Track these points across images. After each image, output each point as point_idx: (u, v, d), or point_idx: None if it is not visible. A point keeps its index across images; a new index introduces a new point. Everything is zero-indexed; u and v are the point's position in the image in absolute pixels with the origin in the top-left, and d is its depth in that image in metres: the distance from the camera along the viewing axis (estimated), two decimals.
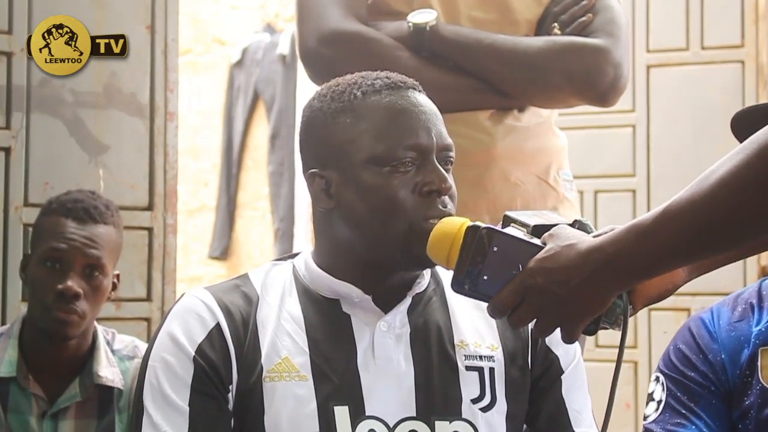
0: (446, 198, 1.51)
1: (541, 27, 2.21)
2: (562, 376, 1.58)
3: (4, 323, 2.54)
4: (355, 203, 1.51)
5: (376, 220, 1.49)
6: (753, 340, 1.84)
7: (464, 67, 2.14)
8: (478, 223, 1.36)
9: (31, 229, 2.45)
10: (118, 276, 2.35)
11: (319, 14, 2.14)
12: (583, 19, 2.18)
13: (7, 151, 2.68)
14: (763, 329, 1.85)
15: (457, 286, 1.35)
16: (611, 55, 2.16)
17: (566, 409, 1.58)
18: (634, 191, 4.38)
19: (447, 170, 1.53)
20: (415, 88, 1.56)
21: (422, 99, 1.56)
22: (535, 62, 2.14)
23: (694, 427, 1.83)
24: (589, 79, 2.15)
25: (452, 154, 1.55)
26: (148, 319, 2.85)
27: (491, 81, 2.14)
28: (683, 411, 1.85)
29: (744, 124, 1.75)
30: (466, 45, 2.13)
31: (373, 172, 1.50)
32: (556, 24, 2.19)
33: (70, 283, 2.22)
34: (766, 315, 1.87)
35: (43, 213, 2.35)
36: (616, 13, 2.21)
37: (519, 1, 2.19)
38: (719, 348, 1.85)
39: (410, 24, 2.13)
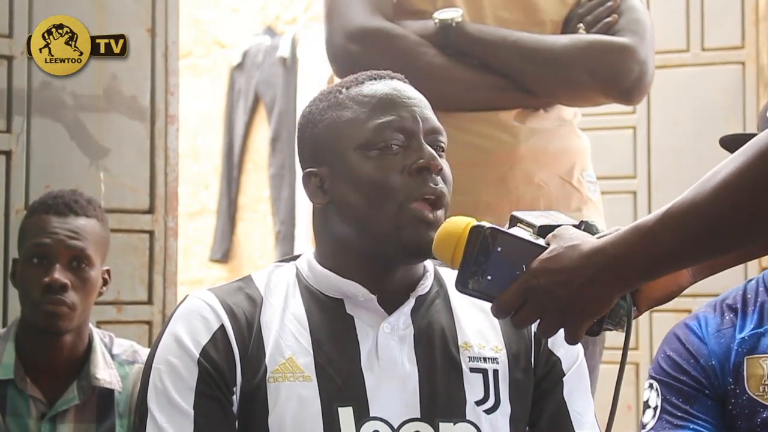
0: (437, 177, 1.51)
1: (567, 28, 2.21)
2: (564, 378, 1.58)
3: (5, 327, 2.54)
4: (347, 193, 1.51)
5: (367, 206, 1.50)
6: (736, 348, 1.84)
7: (489, 64, 2.14)
8: (482, 223, 1.36)
9: None
10: (108, 272, 2.35)
11: (345, 12, 2.15)
12: (609, 19, 2.18)
13: (8, 154, 2.69)
14: (747, 337, 1.85)
15: (461, 286, 1.35)
16: (636, 53, 2.15)
17: (568, 411, 1.57)
18: (635, 193, 4.38)
19: (439, 155, 1.52)
20: (398, 78, 1.58)
21: (406, 87, 1.57)
22: (559, 59, 2.13)
23: (692, 429, 1.83)
24: (613, 77, 2.14)
25: (443, 138, 1.55)
26: (149, 323, 2.85)
27: (516, 78, 2.14)
28: (680, 414, 1.85)
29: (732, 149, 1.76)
30: (491, 42, 2.13)
31: (361, 159, 1.51)
32: (581, 24, 2.18)
33: (56, 275, 2.23)
34: (750, 321, 1.86)
35: (26, 216, 2.37)
36: (640, 14, 2.21)
37: (544, 2, 2.19)
38: (710, 354, 1.85)
39: (436, 21, 2.14)
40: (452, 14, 2.14)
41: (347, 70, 2.13)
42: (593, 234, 1.34)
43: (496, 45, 2.13)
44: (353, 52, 2.12)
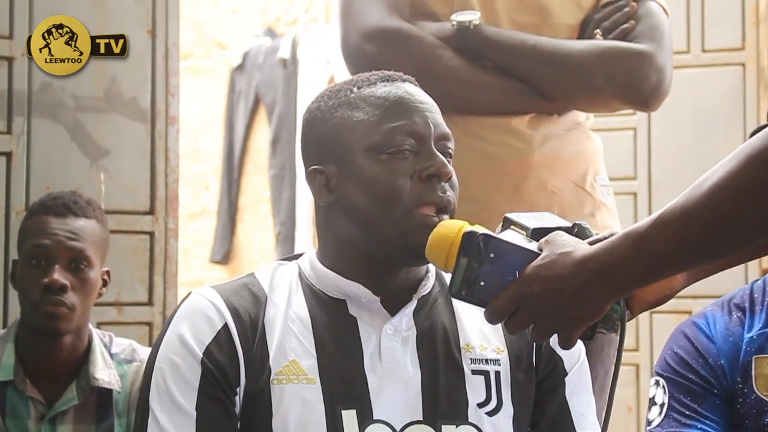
0: (446, 185, 1.51)
1: (583, 32, 2.19)
2: (566, 378, 1.58)
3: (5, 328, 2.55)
4: (354, 194, 1.51)
5: (374, 208, 1.49)
6: (744, 347, 1.84)
7: (506, 67, 2.13)
8: (475, 228, 1.36)
9: None
10: (108, 273, 2.35)
11: (362, 11, 2.13)
12: (626, 26, 2.17)
13: (8, 155, 2.69)
14: (755, 336, 1.85)
15: (454, 291, 1.35)
16: (654, 59, 2.15)
17: (569, 411, 1.57)
18: (635, 194, 4.38)
19: (447, 162, 1.52)
20: (410, 81, 1.57)
21: (418, 90, 1.56)
22: (577, 65, 2.12)
23: (699, 428, 1.83)
24: (631, 83, 2.14)
25: (451, 145, 1.55)
26: (149, 324, 2.85)
27: (533, 82, 2.13)
28: (688, 413, 1.85)
29: None
30: (509, 45, 2.12)
31: (371, 161, 1.50)
32: (598, 30, 2.18)
33: (55, 276, 2.23)
34: (758, 321, 1.87)
35: (26, 217, 2.37)
36: (659, 20, 2.21)
37: (559, 6, 2.17)
38: (718, 353, 1.85)
39: (454, 23, 2.12)
40: (470, 17, 2.12)
41: (362, 70, 2.11)
42: (586, 238, 1.34)
43: (514, 49, 2.12)
44: (369, 52, 2.10)
